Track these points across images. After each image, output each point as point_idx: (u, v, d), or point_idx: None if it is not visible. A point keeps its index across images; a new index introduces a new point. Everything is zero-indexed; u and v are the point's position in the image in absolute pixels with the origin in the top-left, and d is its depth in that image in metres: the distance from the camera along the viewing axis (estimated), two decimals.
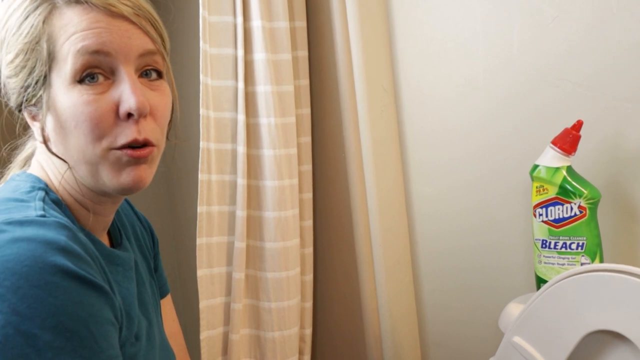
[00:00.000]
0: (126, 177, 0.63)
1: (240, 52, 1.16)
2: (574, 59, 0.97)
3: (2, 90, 0.66)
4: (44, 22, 0.61)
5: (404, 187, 1.24)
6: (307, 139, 1.27)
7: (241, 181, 1.17)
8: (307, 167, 1.28)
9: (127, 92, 0.61)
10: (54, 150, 0.64)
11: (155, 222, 1.70)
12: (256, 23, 1.16)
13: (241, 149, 1.16)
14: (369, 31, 1.18)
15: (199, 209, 1.15)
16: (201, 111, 1.14)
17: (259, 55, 1.16)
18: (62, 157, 0.63)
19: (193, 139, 1.16)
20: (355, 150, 1.21)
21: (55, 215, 0.60)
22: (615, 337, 0.74)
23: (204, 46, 1.13)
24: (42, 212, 0.59)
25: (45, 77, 0.61)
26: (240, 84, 1.16)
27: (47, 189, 0.65)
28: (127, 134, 0.61)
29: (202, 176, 1.15)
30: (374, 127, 1.18)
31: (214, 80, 1.16)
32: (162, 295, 0.89)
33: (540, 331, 0.83)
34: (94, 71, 0.61)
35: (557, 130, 0.92)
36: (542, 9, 1.00)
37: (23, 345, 0.51)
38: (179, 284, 1.73)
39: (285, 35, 1.19)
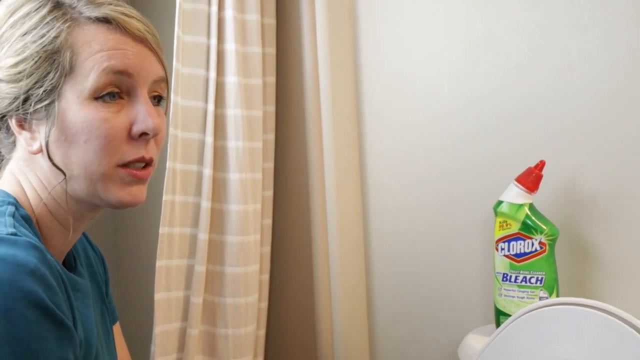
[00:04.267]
0: (127, 194, 0.65)
1: (213, 74, 1.15)
2: (538, 103, 1.02)
3: None
4: (66, 34, 0.62)
5: (364, 217, 1.25)
6: (270, 165, 1.27)
7: (205, 204, 1.15)
8: (269, 193, 1.27)
9: (143, 113, 0.64)
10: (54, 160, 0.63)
11: (112, 242, 1.61)
12: (230, 46, 1.16)
13: (207, 171, 1.15)
14: (337, 61, 1.20)
15: (160, 230, 1.12)
16: (170, 131, 1.12)
17: (231, 78, 1.16)
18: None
19: (161, 159, 1.14)
20: (318, 178, 1.21)
21: (26, 234, 0.58)
22: None
23: (177, 64, 1.12)
24: (13, 230, 0.57)
25: (56, 88, 0.61)
26: (210, 106, 1.15)
27: (16, 204, 0.63)
28: (135, 151, 0.64)
29: (166, 197, 1.12)
30: (338, 155, 1.19)
31: (184, 100, 1.14)
32: (112, 322, 0.87)
33: None
34: (114, 90, 0.63)
35: (520, 168, 0.97)
36: (508, 54, 1.05)
37: None
38: (130, 309, 1.65)
39: (258, 60, 1.19)
